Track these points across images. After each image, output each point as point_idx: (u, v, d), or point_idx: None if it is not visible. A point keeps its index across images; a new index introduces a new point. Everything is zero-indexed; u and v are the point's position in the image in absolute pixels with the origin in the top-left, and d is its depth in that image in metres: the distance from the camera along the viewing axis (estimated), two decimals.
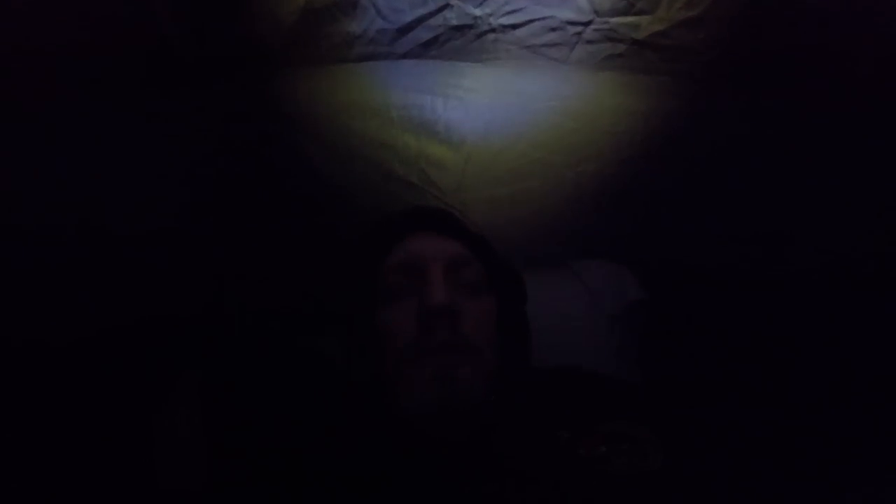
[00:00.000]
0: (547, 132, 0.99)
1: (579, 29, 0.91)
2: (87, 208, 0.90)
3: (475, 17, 0.92)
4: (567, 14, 0.91)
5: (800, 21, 0.84)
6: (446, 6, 0.91)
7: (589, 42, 0.91)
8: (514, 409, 0.72)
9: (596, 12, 0.90)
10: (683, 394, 0.84)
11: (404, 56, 0.93)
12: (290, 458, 0.67)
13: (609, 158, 1.00)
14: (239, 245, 0.98)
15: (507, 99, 0.97)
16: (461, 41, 0.93)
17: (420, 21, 0.92)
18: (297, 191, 0.99)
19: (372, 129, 0.98)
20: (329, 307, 0.89)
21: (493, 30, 0.92)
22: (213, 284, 0.97)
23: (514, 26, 0.92)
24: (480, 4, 0.91)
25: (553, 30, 0.92)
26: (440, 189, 1.01)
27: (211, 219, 0.97)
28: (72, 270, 0.90)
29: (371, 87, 0.95)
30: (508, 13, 0.91)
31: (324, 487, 0.64)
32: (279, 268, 0.99)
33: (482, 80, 0.96)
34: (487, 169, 1.00)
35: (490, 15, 0.92)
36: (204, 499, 0.68)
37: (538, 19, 0.92)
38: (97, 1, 0.80)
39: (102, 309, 0.91)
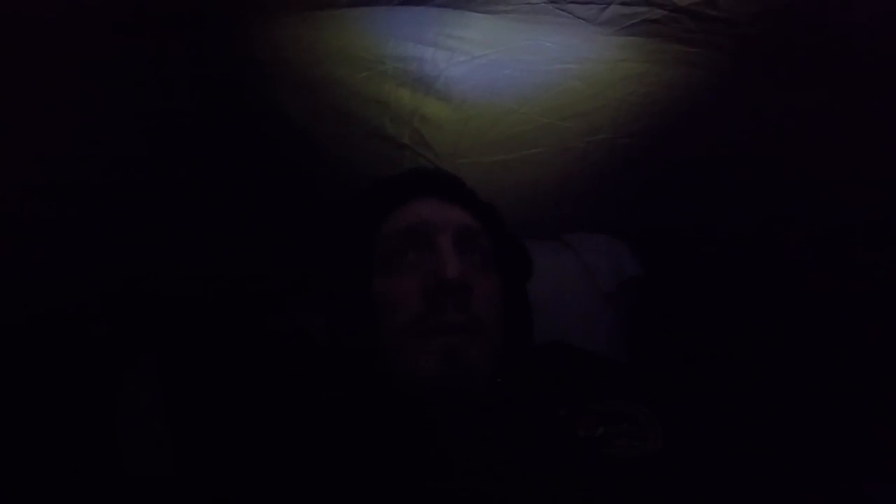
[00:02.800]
0: (559, 97, 0.88)
1: None
2: (47, 164, 0.76)
3: None
4: None
5: (858, 17, 0.74)
6: None
7: (625, 3, 0.78)
8: (513, 387, 0.69)
9: None
10: (678, 374, 0.83)
11: (405, 2, 0.77)
12: (264, 439, 0.63)
13: (623, 129, 0.91)
14: (209, 209, 0.87)
15: (519, 57, 0.84)
16: None
17: None
18: (274, 149, 0.87)
19: (361, 82, 0.84)
20: (314, 274, 0.82)
21: None
22: (180, 251, 0.86)
23: None
24: None
25: None
26: (434, 151, 0.91)
27: (179, 180, 0.84)
28: (25, 235, 0.78)
29: (363, 36, 0.80)
30: None
31: (298, 465, 0.61)
32: (253, 234, 0.89)
33: (493, 33, 0.82)
34: (489, 132, 0.90)
35: None
36: (174, 485, 0.65)
37: None
38: None
39: (56, 282, 0.80)
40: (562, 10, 0.79)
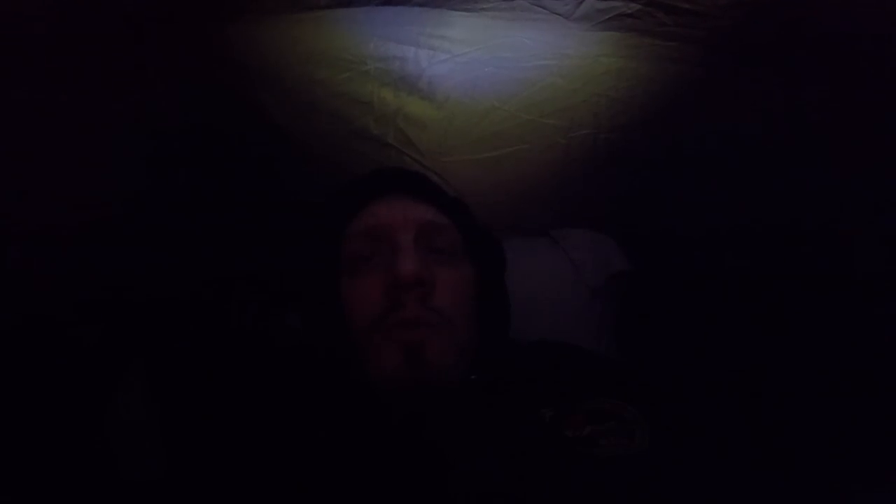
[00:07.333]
0: (540, 93, 0.89)
1: None
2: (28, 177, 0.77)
3: None
4: None
5: (831, 5, 0.76)
6: None
7: None
8: (493, 385, 0.69)
9: None
10: (666, 370, 0.83)
11: (387, 2, 0.79)
12: (253, 439, 0.63)
13: (604, 124, 0.92)
14: (193, 212, 0.87)
15: (500, 54, 0.86)
16: None
17: None
18: (258, 151, 0.88)
19: (344, 82, 0.86)
20: (290, 277, 0.82)
21: None
22: (166, 255, 0.87)
23: None
24: None
25: None
26: (419, 151, 0.92)
27: (161, 184, 0.85)
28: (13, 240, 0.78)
29: (345, 37, 0.82)
30: None
31: (288, 464, 0.61)
32: (238, 236, 0.90)
33: (473, 31, 0.84)
34: (472, 130, 0.92)
35: None
36: (167, 486, 0.65)
37: None
38: None
39: (45, 287, 0.80)
40: (538, 6, 0.81)
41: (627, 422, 0.65)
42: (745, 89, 0.88)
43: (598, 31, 0.84)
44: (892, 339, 0.83)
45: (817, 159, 0.88)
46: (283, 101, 0.86)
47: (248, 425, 0.64)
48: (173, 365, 0.75)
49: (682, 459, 0.63)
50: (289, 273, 0.82)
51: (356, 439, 0.62)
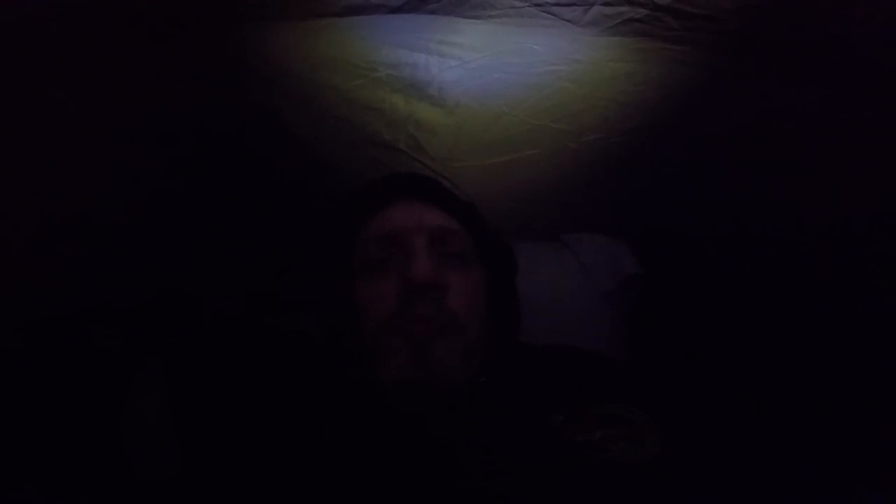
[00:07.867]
0: (550, 98, 0.90)
1: None
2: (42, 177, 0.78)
3: None
4: None
5: (837, 9, 0.77)
6: None
7: (607, 3, 0.81)
8: (502, 388, 0.70)
9: None
10: (677, 374, 0.82)
11: (398, 10, 0.80)
12: (267, 439, 0.64)
13: (614, 128, 0.93)
14: (206, 216, 0.89)
15: (509, 60, 0.87)
16: None
17: None
18: (270, 156, 0.89)
19: (356, 89, 0.87)
20: (304, 280, 0.84)
21: None
22: (179, 257, 0.88)
23: None
24: None
25: None
26: (430, 156, 0.93)
27: (176, 187, 0.86)
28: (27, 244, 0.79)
29: (357, 44, 0.84)
30: None
31: (301, 464, 0.62)
32: (250, 239, 0.91)
33: (483, 38, 0.85)
34: (483, 136, 0.92)
35: None
36: (181, 486, 0.65)
37: None
38: None
39: (56, 289, 0.82)
40: (547, 12, 0.82)
41: (638, 426, 0.65)
42: (754, 91, 0.89)
43: (606, 36, 0.84)
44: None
45: (825, 161, 0.88)
46: (295, 106, 0.87)
47: (261, 425, 0.65)
48: (187, 365, 0.76)
49: (693, 465, 0.63)
50: (303, 276, 0.83)
51: (365, 440, 0.63)
